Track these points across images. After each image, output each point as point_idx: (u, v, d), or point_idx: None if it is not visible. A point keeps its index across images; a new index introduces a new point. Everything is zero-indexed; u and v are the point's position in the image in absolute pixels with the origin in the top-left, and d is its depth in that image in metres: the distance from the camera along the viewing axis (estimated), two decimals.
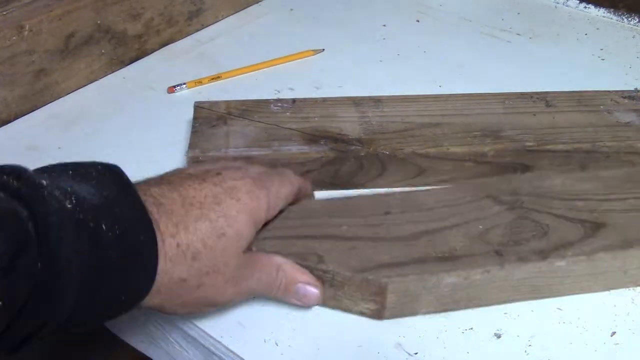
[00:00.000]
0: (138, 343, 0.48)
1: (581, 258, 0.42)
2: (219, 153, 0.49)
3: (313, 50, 0.69)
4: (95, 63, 0.65)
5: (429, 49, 0.70)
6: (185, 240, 0.36)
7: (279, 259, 0.41)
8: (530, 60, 0.68)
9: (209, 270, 0.37)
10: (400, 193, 0.48)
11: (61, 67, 0.62)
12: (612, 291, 0.45)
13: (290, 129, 0.52)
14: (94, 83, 0.66)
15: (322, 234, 0.43)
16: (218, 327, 0.42)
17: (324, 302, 0.43)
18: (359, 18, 0.76)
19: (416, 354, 0.41)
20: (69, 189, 0.32)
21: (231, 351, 0.41)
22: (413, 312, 0.43)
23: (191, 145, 0.50)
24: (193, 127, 0.52)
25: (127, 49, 0.67)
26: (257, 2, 0.78)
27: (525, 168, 0.51)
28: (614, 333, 0.42)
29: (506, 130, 0.52)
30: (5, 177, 0.31)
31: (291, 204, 0.44)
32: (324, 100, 0.56)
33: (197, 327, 0.42)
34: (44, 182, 0.31)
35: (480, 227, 0.44)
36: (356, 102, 0.55)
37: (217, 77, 0.66)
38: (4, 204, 0.30)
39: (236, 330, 0.42)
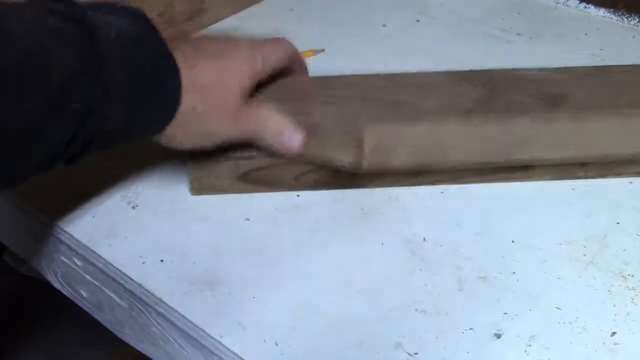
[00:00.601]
0: (138, 343, 0.48)
1: (540, 120, 0.48)
2: (217, 157, 0.50)
3: (313, 50, 0.69)
4: None
5: (429, 49, 0.70)
6: (195, 75, 0.43)
7: (269, 108, 0.47)
8: (531, 60, 0.68)
9: (214, 102, 0.44)
10: (388, 75, 0.54)
11: None
12: (612, 291, 0.45)
13: None
14: None
15: (313, 98, 0.51)
16: (218, 327, 0.42)
17: (311, 155, 0.48)
18: (359, 18, 0.76)
19: (416, 354, 0.41)
20: (108, 20, 0.39)
21: (231, 351, 0.41)
22: (389, 163, 0.48)
23: (192, 162, 0.50)
24: None
25: None
26: (257, 2, 0.78)
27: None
28: (614, 333, 0.42)
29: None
30: (57, 4, 0.38)
31: (285, 75, 0.51)
32: None
33: (197, 327, 0.42)
34: (90, 12, 0.38)
35: (454, 98, 0.50)
36: None
37: None
38: (63, 26, 0.37)
39: (236, 330, 0.42)
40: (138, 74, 0.40)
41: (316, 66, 0.68)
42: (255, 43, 0.48)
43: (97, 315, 0.50)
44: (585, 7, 0.76)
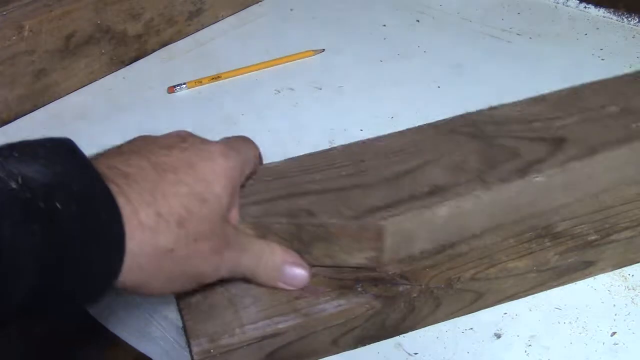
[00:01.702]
0: (138, 342, 0.48)
1: (556, 170, 0.44)
2: (233, 339, 0.38)
3: (313, 50, 0.69)
4: (95, 63, 0.65)
5: (429, 49, 0.70)
6: (165, 208, 0.33)
7: (263, 242, 0.40)
8: (530, 60, 0.68)
9: (197, 237, 0.34)
10: (364, 141, 0.47)
11: (61, 67, 0.62)
12: (612, 291, 0.45)
13: None
14: (94, 83, 0.66)
15: (304, 190, 0.42)
16: None
17: (319, 261, 0.41)
18: (359, 18, 0.76)
19: (416, 354, 0.41)
20: (14, 170, 0.29)
21: None
22: (409, 252, 0.42)
23: (191, 335, 0.38)
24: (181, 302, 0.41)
25: (127, 49, 0.67)
26: (257, 2, 0.78)
27: (588, 265, 0.45)
28: (614, 333, 0.42)
29: (556, 222, 0.45)
30: None
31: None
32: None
33: None
34: None
35: (455, 159, 0.45)
36: None
37: (217, 77, 0.66)
38: None
39: None
40: (51, 228, 0.29)
41: (316, 66, 0.68)
42: (228, 146, 0.38)
43: (97, 315, 0.50)
44: (585, 7, 0.76)
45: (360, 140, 0.47)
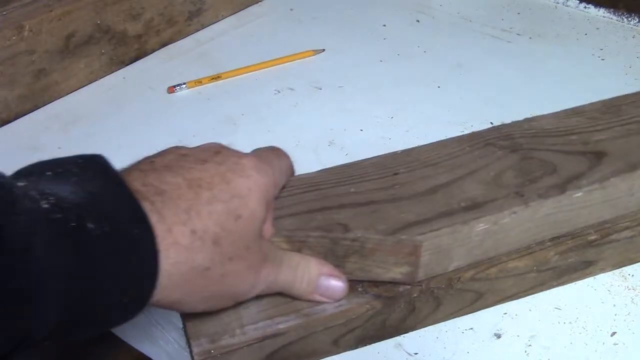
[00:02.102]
0: (138, 343, 0.48)
1: (595, 186, 0.42)
2: (234, 339, 0.38)
3: (313, 50, 0.69)
4: (95, 63, 0.65)
5: (429, 49, 0.70)
6: (200, 226, 0.33)
7: (297, 255, 0.39)
8: (530, 60, 0.68)
9: (232, 255, 0.34)
10: (400, 153, 0.46)
11: (61, 67, 0.62)
12: (612, 291, 0.45)
13: None
14: (94, 83, 0.66)
15: (338, 204, 0.41)
16: None
17: (352, 275, 0.40)
18: (359, 18, 0.76)
19: (416, 354, 0.41)
20: (47, 190, 0.29)
21: None
22: (444, 269, 0.41)
23: (192, 335, 0.39)
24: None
25: (127, 49, 0.67)
26: (257, 2, 0.78)
27: (588, 264, 0.45)
28: (614, 333, 0.42)
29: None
30: None
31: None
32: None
33: None
34: (21, 184, 0.29)
35: (491, 172, 0.44)
36: None
37: (217, 77, 0.66)
38: None
39: None
40: (83, 248, 0.29)
41: (316, 66, 0.68)
42: (261, 159, 0.38)
43: None
44: (585, 7, 0.76)
45: (393, 152, 0.46)
